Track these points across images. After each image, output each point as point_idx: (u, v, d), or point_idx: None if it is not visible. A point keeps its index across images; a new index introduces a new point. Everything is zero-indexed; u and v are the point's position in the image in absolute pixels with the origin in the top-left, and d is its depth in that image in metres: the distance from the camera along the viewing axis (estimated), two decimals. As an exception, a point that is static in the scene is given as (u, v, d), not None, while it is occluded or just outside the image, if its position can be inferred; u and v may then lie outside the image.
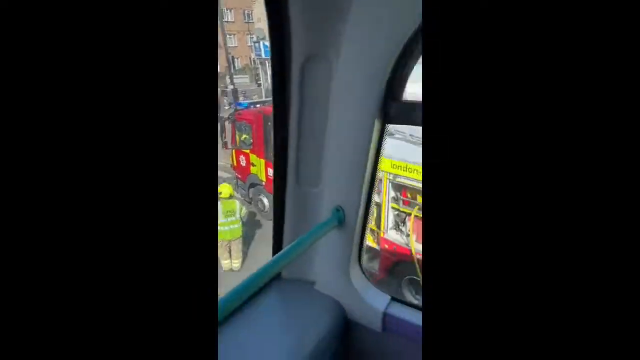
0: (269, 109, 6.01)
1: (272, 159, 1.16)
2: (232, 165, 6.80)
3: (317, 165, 1.06)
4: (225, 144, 6.52)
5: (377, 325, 1.12)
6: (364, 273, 1.21)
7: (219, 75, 25.06)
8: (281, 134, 1.06)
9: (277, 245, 1.25)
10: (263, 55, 14.38)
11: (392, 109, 0.91)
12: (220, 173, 8.48)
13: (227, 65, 22.71)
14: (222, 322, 0.81)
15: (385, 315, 1.11)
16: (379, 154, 1.00)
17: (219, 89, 15.57)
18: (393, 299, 1.16)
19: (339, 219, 1.06)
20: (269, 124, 5.26)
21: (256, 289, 0.81)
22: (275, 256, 0.88)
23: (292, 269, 1.26)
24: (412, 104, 0.91)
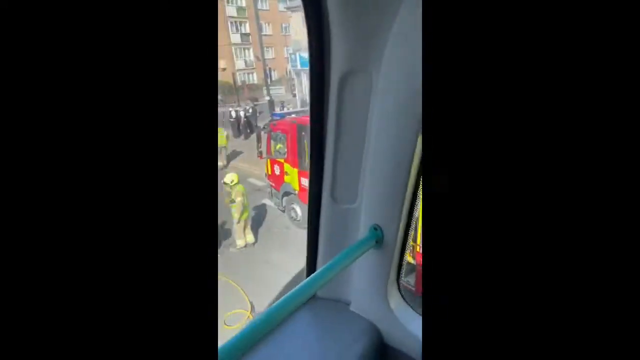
0: (304, 118, 6.11)
1: (308, 170, 1.14)
2: (266, 175, 6.93)
3: (354, 181, 1.03)
4: (260, 154, 6.68)
5: (416, 352, 1.06)
6: (402, 296, 1.15)
7: (256, 87, 25.89)
8: (318, 148, 1.04)
9: (311, 264, 1.22)
10: (299, 67, 14.68)
11: None
12: (254, 181, 8.69)
13: (263, 76, 23.45)
14: (256, 343, 0.78)
15: None
16: (421, 170, 0.95)
17: (256, 100, 16.10)
18: None
19: (377, 238, 1.02)
20: (303, 133, 5.32)
21: (292, 309, 0.78)
22: (310, 276, 0.86)
23: (328, 288, 1.22)
24: None
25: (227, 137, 10.49)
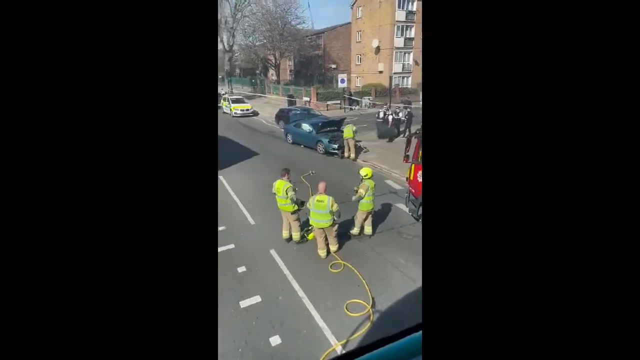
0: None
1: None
2: (407, 179, 6.87)
3: None
4: (406, 157, 6.65)
5: None
6: None
7: (408, 91, 25.47)
8: None
9: None
10: (461, 75, 13.70)
11: None
12: (391, 183, 8.73)
13: (418, 81, 22.93)
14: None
15: None
16: None
17: (409, 104, 15.98)
18: None
19: None
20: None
21: None
22: None
23: None
24: None
25: (355, 132, 10.98)
